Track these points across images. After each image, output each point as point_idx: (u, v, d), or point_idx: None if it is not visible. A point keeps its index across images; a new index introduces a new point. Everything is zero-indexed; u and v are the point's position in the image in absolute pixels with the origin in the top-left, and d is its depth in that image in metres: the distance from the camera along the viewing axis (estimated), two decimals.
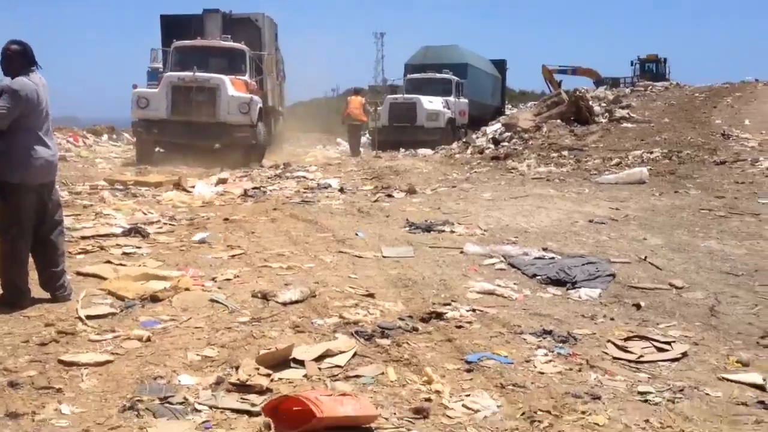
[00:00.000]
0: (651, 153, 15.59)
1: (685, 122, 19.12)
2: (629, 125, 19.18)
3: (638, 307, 5.87)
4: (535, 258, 7.34)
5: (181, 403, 3.81)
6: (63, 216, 6.05)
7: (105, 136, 26.46)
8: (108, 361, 4.39)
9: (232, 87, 18.70)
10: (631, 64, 47.10)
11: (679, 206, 10.73)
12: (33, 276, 5.74)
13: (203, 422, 3.61)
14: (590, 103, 21.55)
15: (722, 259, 7.47)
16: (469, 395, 4.01)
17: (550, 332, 5.12)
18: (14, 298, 5.51)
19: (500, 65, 38.67)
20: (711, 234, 8.75)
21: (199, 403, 3.81)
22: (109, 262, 7.07)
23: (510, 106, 41.24)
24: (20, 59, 5.46)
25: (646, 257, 7.45)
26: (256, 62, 20.78)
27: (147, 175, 15.10)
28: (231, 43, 20.16)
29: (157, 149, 19.81)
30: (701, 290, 6.34)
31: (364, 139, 27.74)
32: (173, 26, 22.01)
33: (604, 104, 22.72)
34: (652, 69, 46.07)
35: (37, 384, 4.02)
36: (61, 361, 4.36)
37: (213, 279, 6.46)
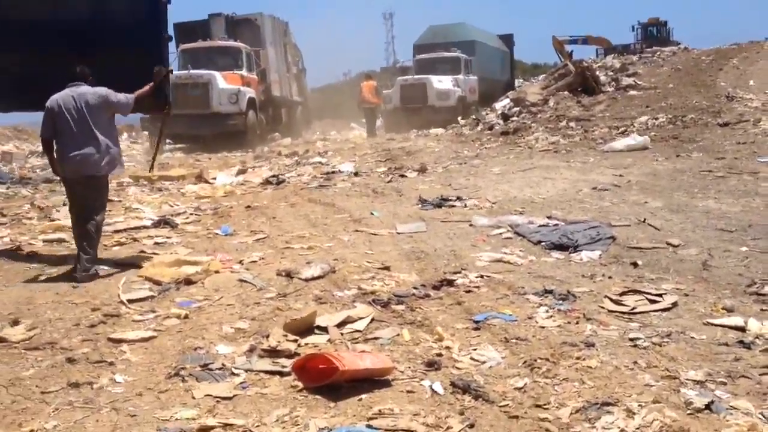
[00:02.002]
0: (656, 119, 15.84)
1: (691, 86, 19.15)
2: (635, 93, 19.27)
3: (635, 265, 6.23)
4: (540, 226, 7.73)
5: (220, 369, 4.28)
6: (99, 211, 6.81)
7: (125, 135, 27.10)
8: (152, 337, 4.89)
9: (224, 81, 20.90)
10: (633, 30, 45.35)
11: (680, 169, 11.05)
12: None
13: (240, 383, 4.07)
14: (596, 72, 21.73)
15: (718, 217, 7.81)
16: (476, 349, 4.43)
17: (551, 291, 5.51)
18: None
19: (507, 40, 38.49)
20: (709, 194, 9.09)
21: (236, 368, 4.28)
22: (142, 252, 7.58)
23: (522, 81, 41.12)
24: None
25: (645, 219, 7.80)
26: (254, 57, 22.91)
27: (170, 169, 15.61)
28: (227, 42, 22.60)
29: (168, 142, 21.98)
30: (696, 247, 6.68)
31: (379, 121, 28.06)
32: (185, 31, 23.62)
33: (611, 73, 22.76)
34: (654, 33, 45.14)
35: (92, 359, 4.52)
36: (110, 339, 4.87)
37: (240, 262, 6.92)
